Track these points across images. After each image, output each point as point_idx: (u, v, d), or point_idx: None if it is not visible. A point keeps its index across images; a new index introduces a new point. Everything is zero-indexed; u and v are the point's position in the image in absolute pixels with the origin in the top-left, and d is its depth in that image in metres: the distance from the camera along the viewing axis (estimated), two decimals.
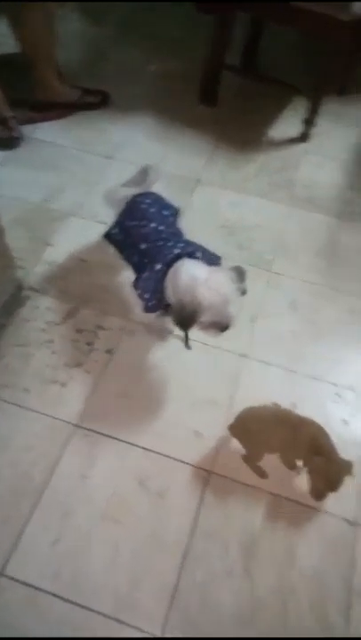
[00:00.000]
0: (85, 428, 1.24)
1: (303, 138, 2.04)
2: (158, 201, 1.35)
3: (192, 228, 1.68)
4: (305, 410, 1.29)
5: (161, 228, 1.28)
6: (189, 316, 1.11)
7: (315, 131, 2.04)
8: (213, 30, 1.93)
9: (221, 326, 1.15)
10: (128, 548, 1.08)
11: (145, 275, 1.23)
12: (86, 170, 1.84)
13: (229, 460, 1.20)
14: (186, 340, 1.25)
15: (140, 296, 1.24)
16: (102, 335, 1.41)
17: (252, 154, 1.97)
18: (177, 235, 1.30)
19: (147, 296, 1.23)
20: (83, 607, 1.01)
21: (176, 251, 1.20)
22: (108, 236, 1.36)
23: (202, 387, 1.33)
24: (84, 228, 1.65)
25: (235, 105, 2.16)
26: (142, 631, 0.99)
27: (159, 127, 2.05)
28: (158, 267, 1.20)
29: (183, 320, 1.13)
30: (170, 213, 1.34)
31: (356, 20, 1.66)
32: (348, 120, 2.17)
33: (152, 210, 1.31)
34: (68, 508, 1.12)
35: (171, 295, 1.17)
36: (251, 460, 1.18)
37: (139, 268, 1.27)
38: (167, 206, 1.35)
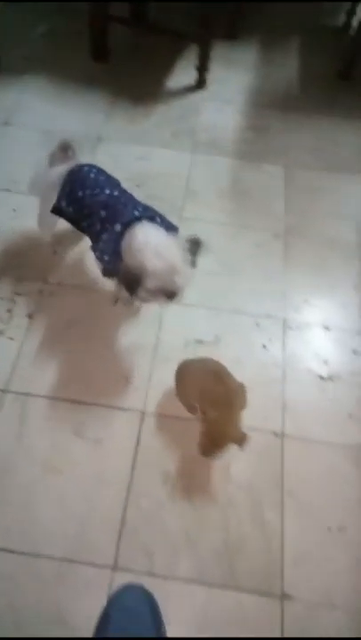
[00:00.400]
0: (14, 392, 1.24)
1: (199, 85, 2.06)
2: (102, 170, 1.32)
3: None
4: (228, 341, 1.36)
5: (116, 193, 1.25)
6: (133, 279, 1.09)
7: (210, 77, 2.06)
8: None
9: (167, 293, 1.13)
10: (73, 493, 1.11)
11: (104, 236, 1.20)
12: None
13: (160, 399, 1.25)
14: (126, 302, 1.27)
15: (100, 258, 1.22)
16: (20, 301, 1.40)
17: (150, 106, 1.97)
18: (133, 200, 1.27)
19: (106, 258, 1.20)
20: (35, 556, 1.04)
21: (136, 213, 1.18)
22: (59, 211, 1.31)
23: (126, 335, 1.36)
24: None
25: (128, 58, 2.14)
26: (95, 565, 1.04)
27: (53, 88, 2.00)
28: (118, 228, 1.17)
29: (128, 283, 1.12)
30: (117, 182, 1.33)
31: None
32: (241, 64, 2.20)
33: (102, 178, 1.28)
34: (9, 468, 1.13)
35: (124, 257, 1.15)
36: (182, 398, 1.22)
37: (101, 235, 1.23)
38: (110, 175, 1.33)
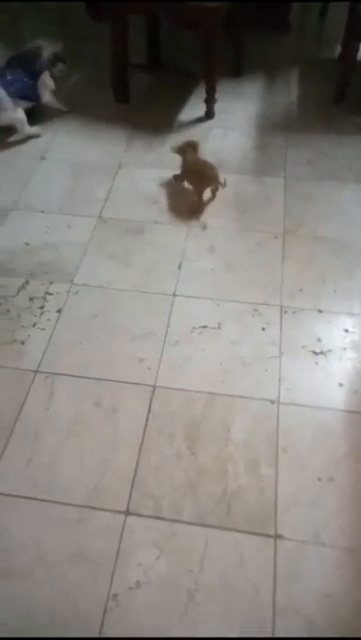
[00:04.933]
0: (45, 372, 1.45)
1: (208, 115, 2.31)
2: None
3: (119, 203, 1.94)
4: (229, 325, 1.53)
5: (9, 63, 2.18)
6: None
7: (218, 108, 2.32)
8: (111, 34, 2.21)
9: None
10: (91, 453, 1.28)
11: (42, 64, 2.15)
12: (19, 171, 2.08)
13: (169, 375, 1.42)
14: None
15: None
16: (51, 299, 1.63)
17: (165, 136, 2.23)
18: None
19: None
20: (58, 503, 1.21)
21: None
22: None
23: (140, 324, 1.55)
24: (22, 217, 1.88)
25: (146, 97, 2.44)
26: (112, 510, 1.19)
27: (81, 127, 2.30)
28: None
29: None
30: None
31: (221, 6, 1.96)
32: (246, 96, 2.46)
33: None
34: (37, 434, 1.32)
35: None
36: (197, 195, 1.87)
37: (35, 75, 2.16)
38: None
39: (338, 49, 2.64)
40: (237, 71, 2.57)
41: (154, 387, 1.41)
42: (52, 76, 2.22)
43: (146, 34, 2.51)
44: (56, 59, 2.20)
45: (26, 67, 2.16)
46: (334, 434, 1.29)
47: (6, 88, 2.08)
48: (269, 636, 1.03)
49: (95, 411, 1.36)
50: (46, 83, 2.23)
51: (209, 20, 2.00)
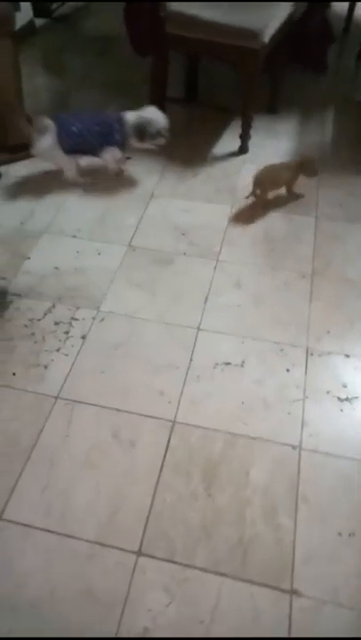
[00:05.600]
0: (65, 399, 1.44)
1: (242, 151, 2.34)
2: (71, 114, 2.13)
3: (149, 233, 1.96)
4: (253, 364, 1.51)
5: (89, 117, 2.06)
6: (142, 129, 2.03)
7: (251, 144, 2.34)
8: (151, 68, 2.27)
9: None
10: (107, 485, 1.26)
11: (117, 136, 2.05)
12: (52, 195, 2.12)
13: (190, 411, 1.40)
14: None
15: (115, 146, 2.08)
16: (76, 325, 1.64)
17: (197, 168, 2.26)
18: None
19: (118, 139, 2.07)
20: (70, 537, 1.18)
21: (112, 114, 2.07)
22: (70, 149, 2.04)
23: (163, 356, 1.54)
24: (53, 241, 1.91)
25: (181, 131, 2.47)
26: (123, 550, 1.16)
27: None
28: (116, 127, 2.03)
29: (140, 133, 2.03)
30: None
31: (263, 48, 2.00)
32: (280, 133, 2.48)
33: (74, 114, 2.08)
34: (54, 461, 1.31)
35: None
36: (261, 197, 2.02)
37: (105, 140, 2.06)
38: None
39: None
40: (273, 108, 2.60)
41: (173, 422, 1.39)
42: (141, 140, 2.08)
43: (185, 68, 2.57)
44: (159, 134, 2.07)
45: (105, 132, 2.04)
46: (357, 486, 1.25)
47: (69, 138, 2.00)
48: None
49: (113, 442, 1.35)
50: (112, 159, 2.13)
51: (250, 61, 2.04)
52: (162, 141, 2.08)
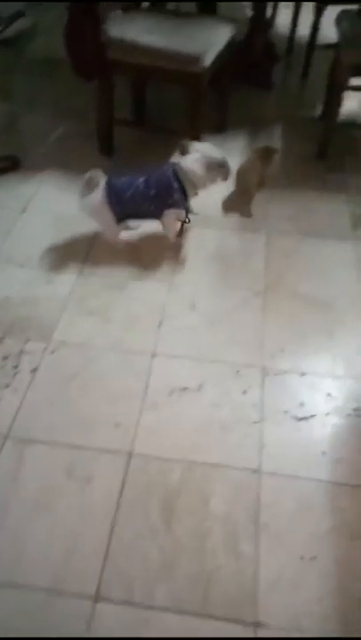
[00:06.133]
0: (15, 438, 1.38)
1: None
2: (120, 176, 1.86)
3: (100, 257, 1.92)
4: (210, 387, 1.49)
5: (141, 179, 1.79)
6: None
7: None
8: (97, 92, 2.26)
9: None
10: (60, 528, 1.21)
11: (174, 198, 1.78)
12: (0, 223, 2.07)
13: (147, 441, 1.37)
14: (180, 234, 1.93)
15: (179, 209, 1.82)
16: (26, 358, 1.58)
17: None
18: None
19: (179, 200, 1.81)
20: (22, 587, 1.12)
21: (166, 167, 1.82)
22: (121, 218, 1.82)
23: (118, 385, 1.50)
24: (2, 272, 1.85)
25: (130, 152, 2.47)
26: (80, 596, 1.11)
27: (66, 179, 2.31)
28: (175, 185, 1.78)
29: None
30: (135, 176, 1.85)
31: (205, 71, 2.02)
32: (229, 152, 2.44)
33: (125, 178, 1.82)
34: (4, 505, 1.24)
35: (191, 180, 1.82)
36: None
37: (164, 203, 1.80)
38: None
39: (319, 108, 2.72)
40: (221, 127, 2.63)
41: (130, 454, 1.35)
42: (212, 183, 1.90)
43: (132, 91, 2.58)
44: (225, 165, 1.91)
45: (162, 194, 1.78)
46: (317, 507, 1.23)
47: (121, 205, 1.78)
48: None
49: (67, 480, 1.29)
50: (174, 224, 1.89)
51: (194, 84, 2.05)
52: (227, 173, 1.89)
